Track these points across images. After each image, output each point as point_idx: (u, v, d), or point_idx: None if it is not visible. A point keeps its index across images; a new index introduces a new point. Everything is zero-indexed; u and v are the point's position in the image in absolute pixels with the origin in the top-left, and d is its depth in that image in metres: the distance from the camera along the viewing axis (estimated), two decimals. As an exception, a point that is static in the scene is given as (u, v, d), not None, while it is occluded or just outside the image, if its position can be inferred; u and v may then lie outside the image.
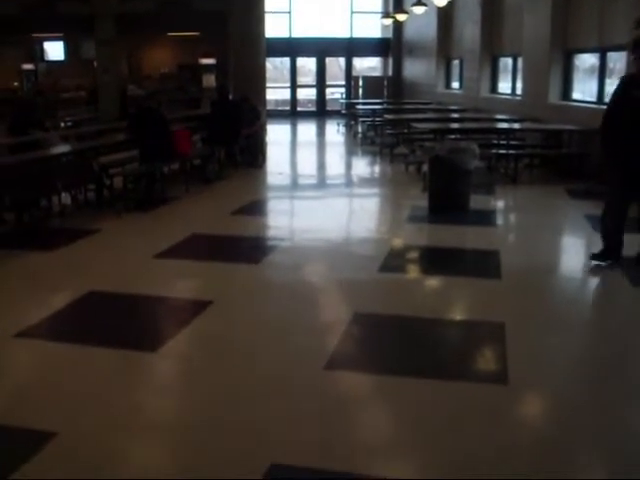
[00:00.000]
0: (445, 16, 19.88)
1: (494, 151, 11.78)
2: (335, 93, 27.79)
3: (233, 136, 12.57)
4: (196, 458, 3.41)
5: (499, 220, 9.22)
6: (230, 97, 13.32)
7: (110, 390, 4.24)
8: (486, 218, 9.01)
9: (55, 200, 9.52)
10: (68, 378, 4.45)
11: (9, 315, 5.62)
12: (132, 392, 4.25)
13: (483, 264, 6.99)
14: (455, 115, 16.17)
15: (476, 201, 9.29)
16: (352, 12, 26.14)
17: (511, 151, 11.84)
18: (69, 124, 17.43)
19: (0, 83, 28.52)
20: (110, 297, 6.03)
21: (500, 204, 10.22)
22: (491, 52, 17.11)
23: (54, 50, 28.77)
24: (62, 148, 10.10)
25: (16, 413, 3.94)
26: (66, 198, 9.70)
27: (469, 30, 17.95)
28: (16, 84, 28.70)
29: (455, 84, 20.29)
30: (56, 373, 4.54)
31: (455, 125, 13.73)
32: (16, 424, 3.80)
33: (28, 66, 28.96)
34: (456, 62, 20.02)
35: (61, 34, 26.36)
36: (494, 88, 17.21)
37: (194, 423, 3.78)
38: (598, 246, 6.61)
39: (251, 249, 7.58)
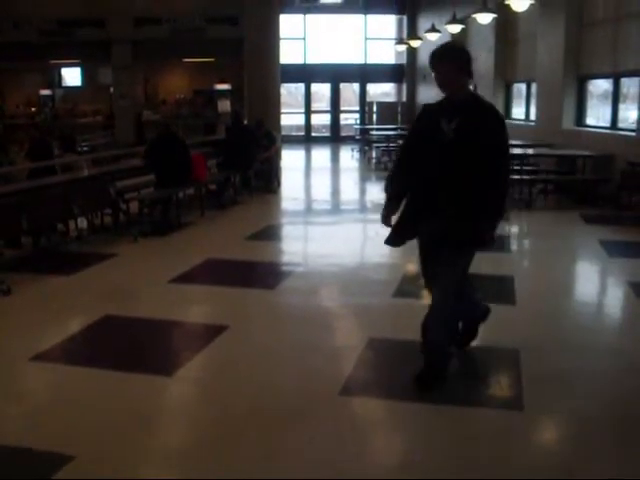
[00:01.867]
0: (459, 42, 19.96)
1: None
2: (349, 119, 27.93)
3: (248, 161, 12.66)
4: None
5: (513, 246, 9.22)
6: (245, 122, 13.41)
7: (126, 414, 4.26)
8: (500, 244, 8.99)
9: (72, 224, 9.62)
10: (84, 402, 4.47)
11: (25, 338, 5.66)
12: (148, 416, 4.27)
13: (497, 290, 6.97)
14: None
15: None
16: (366, 38, 26.33)
17: (525, 176, 11.86)
18: (86, 149, 17.60)
19: (18, 109, 28.86)
20: (126, 321, 6.07)
21: (514, 229, 10.21)
22: (505, 78, 17.18)
23: (71, 76, 29.09)
24: (79, 173, 10.20)
25: (34, 435, 3.98)
26: (82, 222, 9.79)
27: (483, 56, 18.04)
28: (34, 109, 28.99)
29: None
30: (72, 397, 4.57)
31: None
32: (34, 446, 3.83)
33: (46, 92, 29.26)
34: (470, 88, 20.10)
35: (78, 60, 26.64)
36: (508, 114, 17.26)
37: (208, 448, 3.79)
38: (613, 272, 6.60)
39: (266, 274, 7.61)
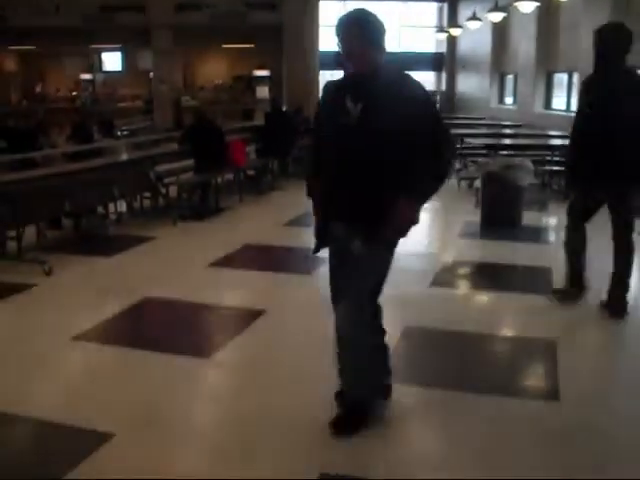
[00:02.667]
0: (500, 31, 19.80)
1: (548, 168, 11.69)
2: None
3: (286, 148, 12.69)
4: (245, 468, 3.46)
5: (551, 237, 9.15)
6: (284, 109, 13.42)
7: (163, 394, 4.33)
8: (538, 235, 8.95)
9: (111, 207, 9.75)
10: (123, 381, 4.55)
11: (67, 318, 5.76)
12: (184, 397, 4.33)
13: (535, 281, 6.94)
14: (508, 131, 16.08)
15: (529, 218, 9.24)
16: (405, 26, 26.18)
17: (564, 168, 11.72)
18: (125, 133, 17.74)
19: (59, 93, 29.17)
20: (165, 303, 6.15)
21: (553, 221, 10.12)
22: (546, 67, 17.00)
23: (112, 61, 29.33)
24: (120, 156, 10.31)
25: (74, 413, 4.05)
26: (122, 206, 9.91)
27: (524, 45, 17.87)
28: (74, 94, 29.28)
29: (509, 99, 20.20)
30: (112, 376, 4.65)
31: (508, 141, 13.65)
32: (75, 423, 3.90)
33: (86, 76, 29.53)
34: (510, 77, 19.94)
35: (119, 45, 26.85)
36: (548, 104, 17.09)
37: (240, 431, 3.81)
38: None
39: (303, 260, 7.63)
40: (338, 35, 3.68)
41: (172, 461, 3.58)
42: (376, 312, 4.00)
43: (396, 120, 3.48)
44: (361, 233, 3.63)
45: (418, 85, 3.68)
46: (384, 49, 3.71)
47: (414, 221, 3.71)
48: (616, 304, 5.65)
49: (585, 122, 5.43)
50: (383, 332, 4.07)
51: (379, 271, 3.82)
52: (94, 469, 3.46)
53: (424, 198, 3.71)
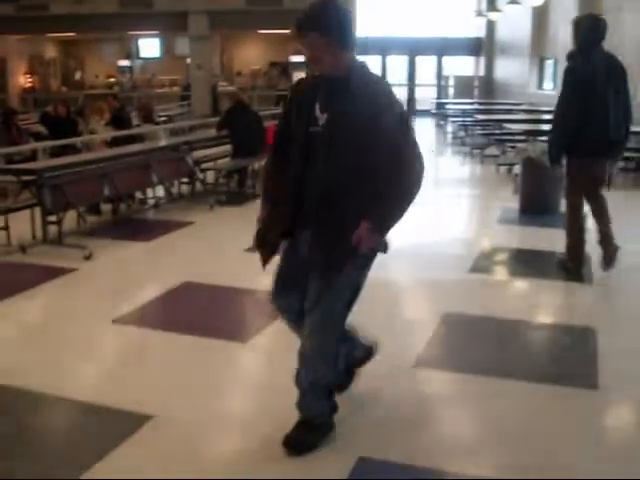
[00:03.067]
0: (540, 15, 19.52)
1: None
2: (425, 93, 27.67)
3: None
4: (283, 452, 3.47)
5: (590, 224, 9.02)
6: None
7: (202, 378, 4.36)
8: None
9: (149, 192, 9.83)
10: (162, 364, 4.59)
11: (107, 301, 5.82)
12: (222, 381, 4.37)
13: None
14: (547, 116, 15.85)
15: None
16: (443, 11, 25.95)
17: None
18: (163, 119, 17.85)
19: (98, 79, 29.46)
20: (203, 288, 6.18)
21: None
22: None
23: (149, 47, 29.52)
24: (158, 142, 10.38)
25: (114, 395, 4.09)
26: (159, 191, 9.99)
27: (564, 29, 17.56)
28: (112, 80, 29.54)
29: (548, 84, 19.92)
30: (151, 359, 4.70)
31: (547, 127, 13.45)
32: (115, 405, 3.95)
33: (124, 62, 29.77)
34: (550, 62, 19.66)
35: (156, 31, 27.00)
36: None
37: (275, 415, 3.80)
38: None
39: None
40: (296, 38, 3.25)
41: (211, 444, 3.60)
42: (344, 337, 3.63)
43: (361, 132, 3.16)
44: (322, 255, 3.31)
45: (388, 93, 3.25)
46: (353, 45, 3.24)
47: (375, 249, 3.39)
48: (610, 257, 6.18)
49: (577, 103, 5.88)
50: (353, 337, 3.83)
51: (354, 285, 3.48)
52: (134, 450, 3.50)
53: (388, 222, 3.33)
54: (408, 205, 3.34)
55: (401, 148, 3.22)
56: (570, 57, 6.24)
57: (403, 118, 3.25)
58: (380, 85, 3.32)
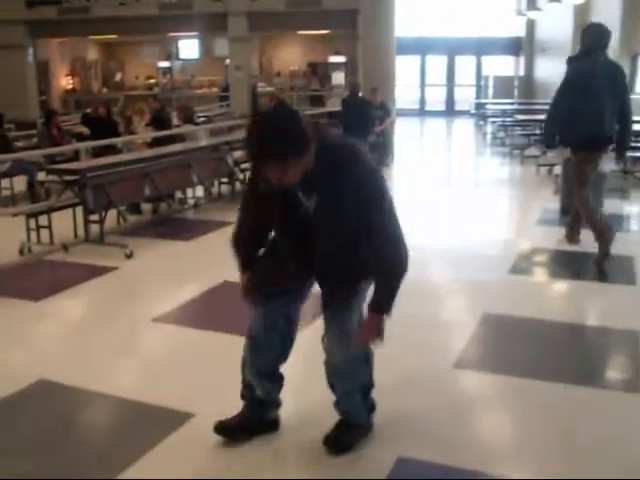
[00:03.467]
0: (581, 14, 19.28)
1: (630, 154, 11.36)
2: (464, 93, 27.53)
3: (364, 133, 12.65)
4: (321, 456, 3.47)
5: (634, 225, 8.92)
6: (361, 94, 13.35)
7: (239, 375, 4.37)
8: (620, 223, 8.72)
9: (189, 192, 9.90)
10: (202, 363, 4.62)
11: (148, 300, 5.90)
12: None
13: (616, 269, 6.77)
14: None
15: (610, 205, 8.99)
16: (482, 10, 25.77)
17: (649, 154, 11.40)
18: (202, 120, 17.96)
19: (138, 80, 29.74)
20: (243, 287, 6.19)
21: (635, 209, 9.87)
22: (630, 49, 16.49)
23: (188, 48, 29.68)
24: (198, 142, 10.45)
25: (155, 393, 4.13)
26: (199, 191, 10.06)
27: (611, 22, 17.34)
28: (152, 81, 29.79)
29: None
30: (191, 358, 4.72)
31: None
32: (155, 403, 3.99)
33: (164, 64, 29.99)
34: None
35: (195, 33, 27.16)
36: (632, 87, 16.58)
37: (318, 414, 3.80)
38: None
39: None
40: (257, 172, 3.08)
41: (251, 442, 3.61)
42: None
43: (346, 209, 3.06)
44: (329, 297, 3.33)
45: (360, 168, 3.07)
46: (310, 141, 2.93)
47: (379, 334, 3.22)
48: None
49: (573, 98, 6.56)
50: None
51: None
52: (175, 448, 3.53)
53: (386, 304, 3.18)
54: (398, 283, 3.23)
55: (373, 224, 3.11)
56: (572, 59, 7.00)
57: (375, 192, 3.10)
58: (350, 162, 3.06)
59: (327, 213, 3.08)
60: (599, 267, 6.54)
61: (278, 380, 3.61)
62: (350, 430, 3.52)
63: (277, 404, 3.67)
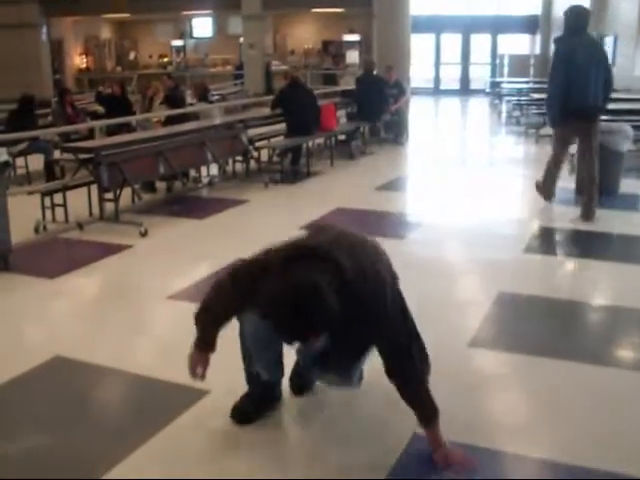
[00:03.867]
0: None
1: (648, 133, 11.25)
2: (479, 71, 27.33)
3: (378, 112, 12.61)
4: (340, 426, 3.47)
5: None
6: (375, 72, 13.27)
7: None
8: (637, 203, 8.67)
9: (204, 171, 9.90)
10: (217, 340, 4.62)
11: (163, 277, 5.90)
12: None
13: (632, 249, 6.74)
14: (607, 95, 15.51)
15: (627, 185, 8.93)
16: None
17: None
18: (216, 98, 17.94)
19: (151, 59, 29.71)
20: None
21: (652, 188, 9.78)
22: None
23: (202, 26, 29.61)
24: (213, 120, 10.43)
25: (171, 369, 4.12)
26: (213, 169, 10.07)
27: (625, 4, 17.16)
28: (166, 59, 29.76)
29: (607, 62, 19.46)
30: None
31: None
32: (171, 379, 4.00)
33: (177, 42, 29.95)
34: (609, 39, 19.20)
35: (209, 11, 27.08)
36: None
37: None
38: None
39: (395, 224, 7.61)
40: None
41: (268, 418, 3.63)
42: None
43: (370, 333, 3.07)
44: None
45: (380, 284, 3.03)
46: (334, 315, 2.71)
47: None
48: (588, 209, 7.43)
49: (564, 74, 7.09)
50: None
51: None
52: (191, 424, 3.55)
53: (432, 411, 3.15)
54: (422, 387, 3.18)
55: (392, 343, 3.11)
56: (556, 41, 7.59)
57: (387, 315, 3.02)
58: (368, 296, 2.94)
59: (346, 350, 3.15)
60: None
61: (282, 361, 3.61)
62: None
63: (281, 380, 3.71)
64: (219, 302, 3.27)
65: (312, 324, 2.72)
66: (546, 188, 8.05)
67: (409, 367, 3.12)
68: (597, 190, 7.47)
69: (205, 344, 3.35)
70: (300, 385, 3.79)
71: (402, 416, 3.34)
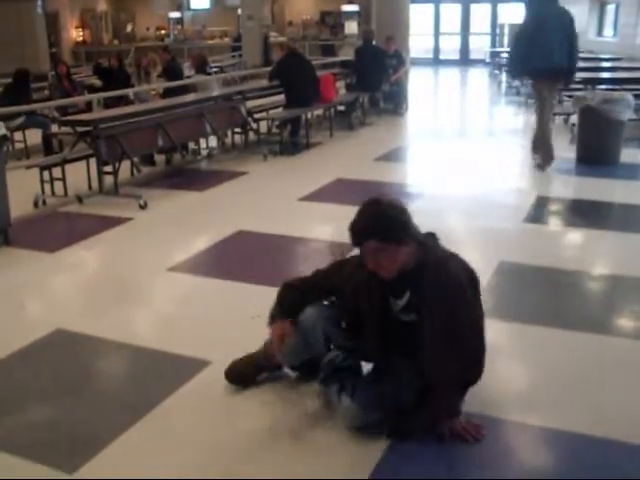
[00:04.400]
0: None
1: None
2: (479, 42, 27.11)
3: (377, 82, 12.54)
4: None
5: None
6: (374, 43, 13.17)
7: (257, 325, 4.37)
8: (638, 172, 8.64)
9: (203, 143, 9.86)
10: (218, 312, 4.64)
11: (163, 250, 5.90)
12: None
13: (633, 218, 6.73)
14: (607, 64, 15.43)
15: (627, 155, 8.90)
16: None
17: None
18: (215, 70, 17.83)
19: (148, 31, 29.50)
20: (257, 237, 6.21)
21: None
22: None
23: (199, -2, 29.43)
24: (212, 92, 10.37)
25: (171, 341, 4.16)
26: (212, 141, 10.03)
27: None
28: (163, 32, 29.56)
29: (608, 31, 19.31)
30: (207, 306, 4.75)
31: (607, 75, 13.12)
32: (172, 351, 4.02)
33: (175, 14, 29.74)
34: (611, 7, 19.03)
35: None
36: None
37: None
38: None
39: (396, 195, 7.54)
40: (356, 246, 3.09)
41: (268, 386, 3.64)
42: None
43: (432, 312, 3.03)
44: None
45: (456, 280, 3.06)
46: (415, 237, 3.07)
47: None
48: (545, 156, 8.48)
49: (529, 36, 8.09)
50: None
51: None
52: (193, 394, 3.57)
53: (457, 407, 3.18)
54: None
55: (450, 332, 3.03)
56: (529, 5, 8.80)
57: (463, 304, 3.05)
58: (455, 283, 3.05)
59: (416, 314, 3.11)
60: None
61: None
62: None
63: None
64: (306, 280, 3.51)
65: (392, 226, 2.99)
66: (545, 150, 8.53)
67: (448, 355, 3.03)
68: (549, 141, 8.52)
69: (282, 312, 3.45)
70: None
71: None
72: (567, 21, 8.18)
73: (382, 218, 3.02)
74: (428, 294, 3.02)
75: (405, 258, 3.03)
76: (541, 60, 8.01)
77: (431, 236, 3.22)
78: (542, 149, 8.55)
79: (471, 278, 3.15)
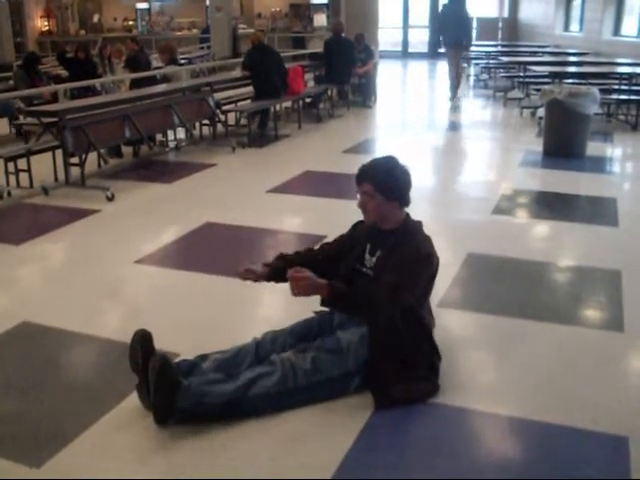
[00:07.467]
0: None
1: (615, 97, 11.32)
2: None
3: (347, 75, 12.54)
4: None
5: (616, 168, 8.94)
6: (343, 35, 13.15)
7: (224, 315, 4.40)
8: (603, 165, 8.75)
9: (170, 135, 9.79)
10: (185, 304, 4.63)
11: (130, 242, 5.86)
12: (245, 318, 4.42)
13: (599, 211, 6.81)
14: (574, 59, 15.57)
15: (593, 148, 9.01)
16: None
17: (633, 97, 11.34)
18: (183, 62, 17.71)
19: (116, 22, 29.21)
20: (225, 228, 6.19)
21: (618, 152, 9.87)
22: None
23: (168, -11, 29.17)
24: (179, 83, 10.30)
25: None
26: (180, 133, 9.97)
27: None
28: (131, 23, 29.28)
29: (575, 26, 19.47)
30: (174, 299, 4.73)
31: (573, 69, 13.24)
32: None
33: (142, 5, 29.46)
34: (577, 2, 19.17)
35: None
36: (618, 30, 16.41)
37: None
38: None
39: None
40: (356, 183, 3.52)
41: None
42: None
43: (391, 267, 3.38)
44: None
45: (423, 252, 3.49)
46: (401, 201, 3.57)
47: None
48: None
49: (443, 23, 13.96)
50: None
51: None
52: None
53: (337, 302, 3.41)
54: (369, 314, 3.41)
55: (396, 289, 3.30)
56: (443, 6, 14.50)
57: (416, 272, 3.41)
58: (421, 245, 3.52)
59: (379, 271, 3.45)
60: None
61: None
62: None
63: None
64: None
65: (389, 182, 3.49)
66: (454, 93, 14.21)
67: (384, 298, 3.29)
68: (458, 85, 14.22)
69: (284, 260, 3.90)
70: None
71: (350, 411, 3.34)
72: (463, 13, 13.70)
73: (386, 173, 3.49)
74: (393, 251, 3.44)
75: (387, 213, 3.51)
76: (449, 37, 13.59)
77: (418, 222, 3.70)
78: (457, 89, 14.18)
79: (434, 265, 3.51)
